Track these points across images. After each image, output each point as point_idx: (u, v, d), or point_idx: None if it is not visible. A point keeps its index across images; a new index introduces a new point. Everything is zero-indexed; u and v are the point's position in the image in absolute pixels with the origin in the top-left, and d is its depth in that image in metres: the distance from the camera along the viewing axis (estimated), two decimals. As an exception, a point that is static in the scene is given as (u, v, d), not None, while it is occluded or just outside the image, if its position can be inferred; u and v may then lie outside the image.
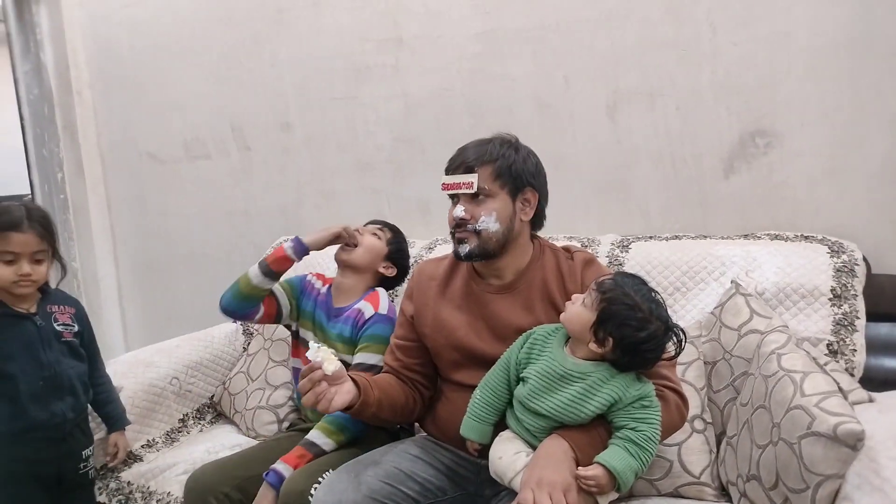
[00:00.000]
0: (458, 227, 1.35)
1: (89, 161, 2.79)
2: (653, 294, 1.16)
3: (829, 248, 1.54)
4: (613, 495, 1.15)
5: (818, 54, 1.64)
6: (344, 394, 1.26)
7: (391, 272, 1.75)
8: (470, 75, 2.04)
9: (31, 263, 1.43)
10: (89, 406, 1.60)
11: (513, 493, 1.16)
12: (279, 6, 2.30)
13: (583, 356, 1.18)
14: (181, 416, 1.86)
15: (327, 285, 1.77)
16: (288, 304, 1.72)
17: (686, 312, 1.58)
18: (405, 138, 2.18)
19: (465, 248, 1.35)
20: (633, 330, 1.12)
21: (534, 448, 1.18)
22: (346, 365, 1.50)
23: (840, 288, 1.47)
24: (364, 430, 1.51)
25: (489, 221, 1.31)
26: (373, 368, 1.53)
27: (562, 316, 1.21)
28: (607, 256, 1.70)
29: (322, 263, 1.99)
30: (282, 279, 1.71)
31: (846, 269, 1.50)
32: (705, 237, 1.70)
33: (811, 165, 1.68)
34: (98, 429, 1.66)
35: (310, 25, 2.26)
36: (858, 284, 1.49)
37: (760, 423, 1.21)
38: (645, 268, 1.64)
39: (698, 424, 1.39)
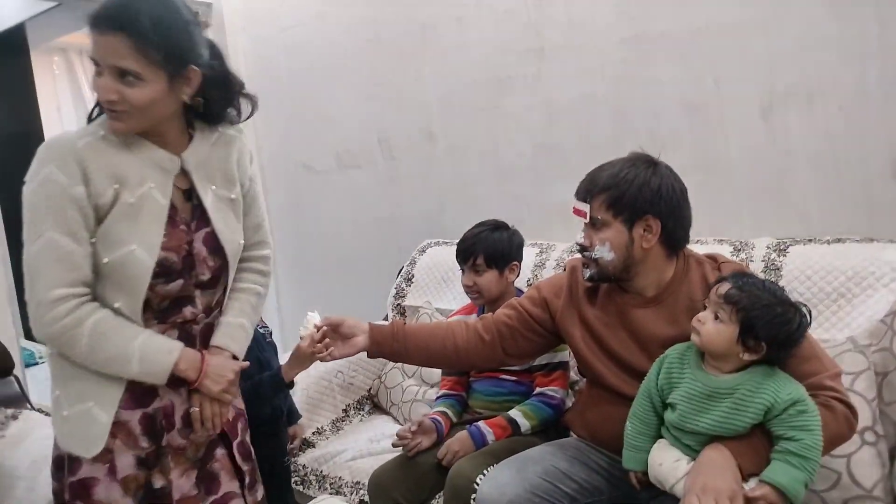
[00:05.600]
0: (581, 252, 1.40)
1: (251, 171, 3.08)
2: (768, 283, 1.19)
3: None
4: (784, 507, 1.14)
5: None
6: (347, 347, 1.44)
7: (516, 273, 1.78)
8: (614, 81, 2.05)
9: None
10: None
11: (671, 498, 1.18)
12: (424, 23, 2.42)
13: (727, 370, 1.18)
14: (344, 407, 2.03)
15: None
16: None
17: (852, 320, 1.52)
18: (546, 145, 2.23)
19: (586, 273, 1.40)
20: (781, 325, 1.13)
21: (693, 458, 1.19)
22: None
23: None
24: (553, 419, 1.63)
25: (603, 251, 1.33)
26: (560, 366, 1.68)
27: (698, 340, 1.20)
28: (763, 261, 1.66)
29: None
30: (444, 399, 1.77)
31: None
32: (872, 240, 1.62)
33: None
34: None
35: (453, 40, 2.36)
36: None
37: (945, 439, 1.16)
38: (805, 272, 1.60)
39: (869, 437, 1.34)
